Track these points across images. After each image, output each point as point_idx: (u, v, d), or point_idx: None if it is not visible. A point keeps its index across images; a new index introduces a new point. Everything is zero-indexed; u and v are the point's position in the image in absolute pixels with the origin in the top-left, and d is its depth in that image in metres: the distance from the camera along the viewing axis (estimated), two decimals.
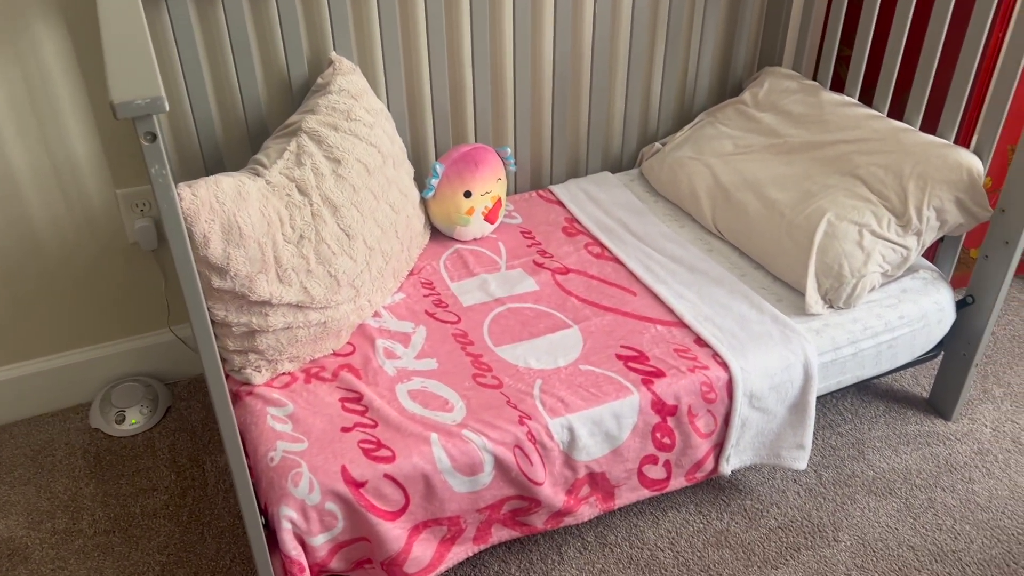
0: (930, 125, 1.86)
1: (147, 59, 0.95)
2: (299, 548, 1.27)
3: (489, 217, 1.84)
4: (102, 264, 1.82)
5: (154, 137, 0.89)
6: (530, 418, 1.39)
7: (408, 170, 1.73)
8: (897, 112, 1.90)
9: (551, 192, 2.04)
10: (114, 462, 1.78)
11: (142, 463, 1.78)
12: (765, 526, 1.63)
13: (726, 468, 1.56)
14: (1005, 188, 1.62)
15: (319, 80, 1.67)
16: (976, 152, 1.66)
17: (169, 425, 1.87)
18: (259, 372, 1.45)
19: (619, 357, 1.51)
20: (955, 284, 1.80)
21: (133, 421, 1.84)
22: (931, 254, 1.91)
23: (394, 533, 1.32)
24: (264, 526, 1.26)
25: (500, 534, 1.45)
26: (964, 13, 1.79)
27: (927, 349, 1.74)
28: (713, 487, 1.71)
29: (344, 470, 1.29)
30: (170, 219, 0.96)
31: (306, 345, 1.47)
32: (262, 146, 1.58)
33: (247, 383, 1.45)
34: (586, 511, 1.49)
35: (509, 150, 1.88)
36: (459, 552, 1.42)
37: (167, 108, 0.87)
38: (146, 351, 1.94)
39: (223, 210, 1.31)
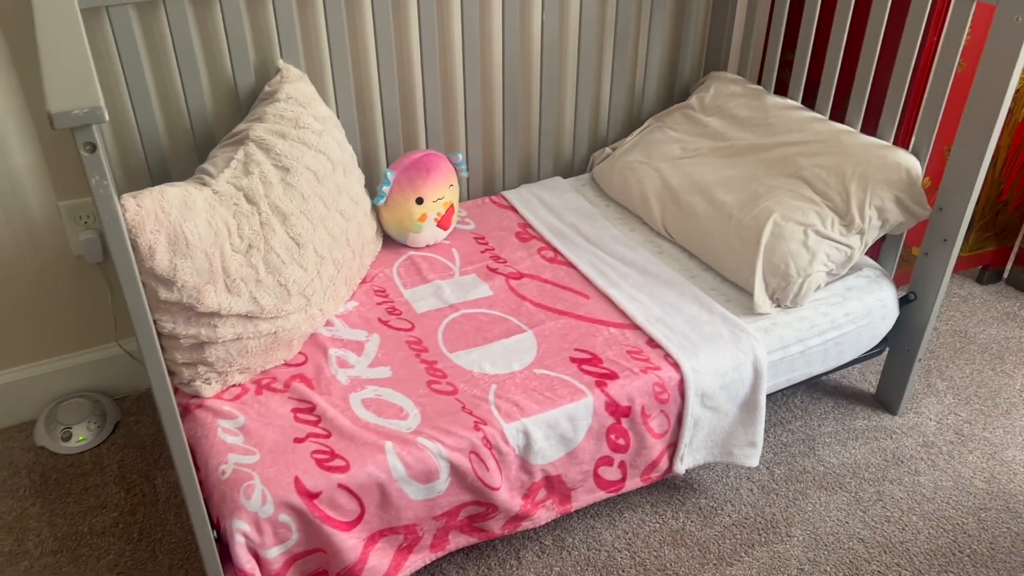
0: (870, 127, 1.91)
1: (86, 68, 0.94)
2: (253, 562, 1.26)
3: (442, 223, 1.84)
4: (46, 278, 1.77)
5: (93, 148, 0.87)
6: (485, 423, 1.39)
7: (359, 177, 1.72)
8: (839, 115, 1.94)
9: (504, 198, 2.04)
10: (61, 480, 1.74)
11: (90, 480, 1.74)
12: (720, 524, 1.66)
13: (680, 467, 1.58)
14: (942, 187, 1.67)
15: (266, 88, 1.66)
16: (914, 152, 1.71)
17: (118, 441, 1.83)
18: (209, 384, 1.43)
19: (573, 360, 1.52)
20: (898, 282, 1.85)
21: (80, 438, 1.80)
22: (875, 252, 1.96)
23: (350, 543, 1.31)
24: (217, 540, 1.24)
25: (457, 541, 1.44)
26: (900, 18, 1.84)
27: (872, 345, 1.78)
28: (668, 487, 1.73)
29: (297, 481, 1.27)
30: (112, 230, 0.95)
31: (257, 356, 1.45)
32: (209, 155, 1.56)
33: (197, 396, 1.43)
34: (543, 514, 1.49)
35: (461, 156, 1.89)
36: (416, 560, 1.41)
37: (106, 118, 0.86)
38: (93, 366, 1.89)
39: (169, 220, 1.29)
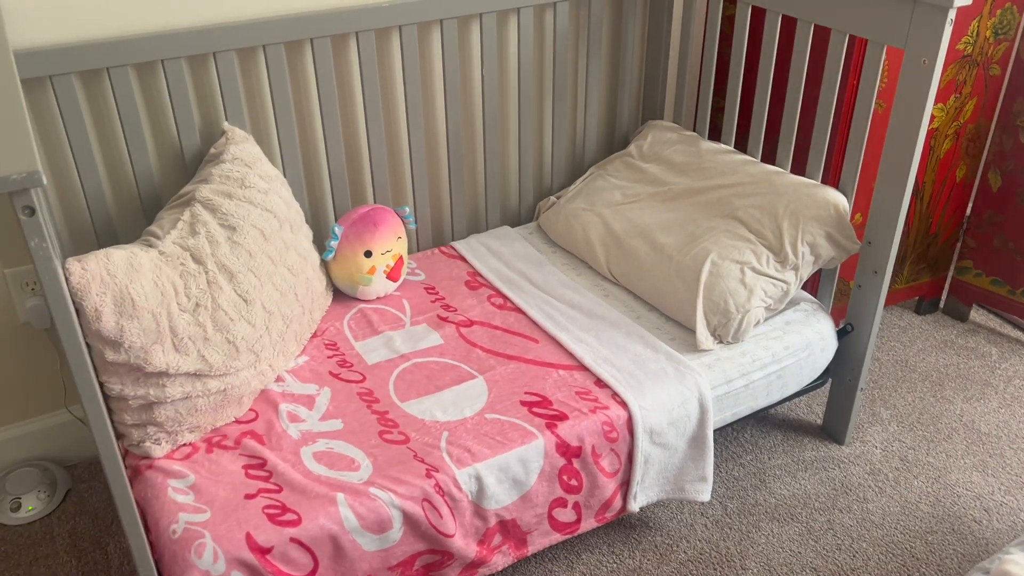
0: (799, 167, 1.99)
1: (23, 132, 0.96)
2: None
3: (391, 275, 1.87)
4: None
5: (32, 211, 0.89)
6: (437, 470, 1.40)
7: (307, 233, 1.75)
8: (769, 156, 2.03)
9: (453, 248, 2.08)
10: (9, 552, 1.70)
11: (40, 551, 1.70)
12: (676, 560, 1.67)
13: (634, 506, 1.60)
14: (869, 222, 1.74)
15: (212, 150, 1.69)
16: (841, 190, 1.79)
17: (69, 509, 1.80)
18: (159, 445, 1.42)
19: (523, 403, 1.55)
20: (837, 315, 1.92)
21: (30, 508, 1.77)
22: (812, 288, 2.02)
23: None
24: None
25: None
26: (820, 64, 1.94)
27: (814, 377, 1.83)
28: (623, 526, 1.75)
29: (249, 537, 1.27)
30: (53, 291, 0.96)
31: (207, 414, 1.46)
32: (156, 217, 1.58)
33: (147, 456, 1.42)
34: (499, 560, 1.50)
35: (408, 209, 1.93)
36: None
37: (44, 182, 0.88)
38: (42, 434, 1.87)
39: (114, 283, 1.30)
